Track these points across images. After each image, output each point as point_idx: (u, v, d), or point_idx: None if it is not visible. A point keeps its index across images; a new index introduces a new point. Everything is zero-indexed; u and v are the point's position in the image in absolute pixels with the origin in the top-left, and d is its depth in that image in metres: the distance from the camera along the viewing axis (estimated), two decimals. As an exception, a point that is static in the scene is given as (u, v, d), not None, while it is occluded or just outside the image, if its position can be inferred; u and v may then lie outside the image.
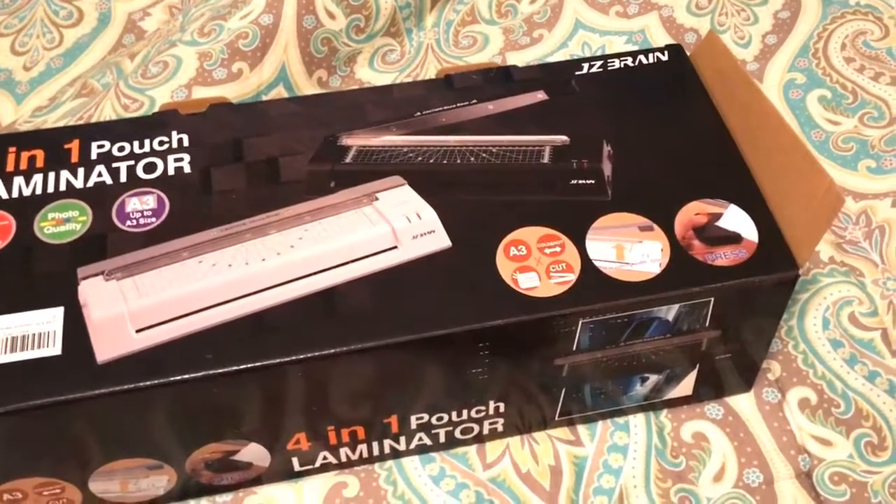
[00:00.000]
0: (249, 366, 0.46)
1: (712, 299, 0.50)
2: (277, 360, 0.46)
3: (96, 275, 0.49)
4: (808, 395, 0.58)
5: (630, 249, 0.51)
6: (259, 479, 0.54)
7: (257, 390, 0.48)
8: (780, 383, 0.59)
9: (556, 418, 0.56)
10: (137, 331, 0.47)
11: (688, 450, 0.56)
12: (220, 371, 0.46)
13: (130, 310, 0.47)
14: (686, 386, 0.57)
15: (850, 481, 0.55)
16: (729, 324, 0.53)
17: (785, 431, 0.57)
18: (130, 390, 0.45)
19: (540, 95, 0.58)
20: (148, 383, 0.45)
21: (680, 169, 0.54)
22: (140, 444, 0.49)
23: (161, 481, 0.52)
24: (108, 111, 0.71)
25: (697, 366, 0.56)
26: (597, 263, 0.50)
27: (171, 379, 0.45)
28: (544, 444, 0.56)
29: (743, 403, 0.58)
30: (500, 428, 0.56)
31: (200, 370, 0.46)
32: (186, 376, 0.45)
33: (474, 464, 0.55)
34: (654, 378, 0.55)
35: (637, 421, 0.58)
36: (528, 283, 0.49)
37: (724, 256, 0.51)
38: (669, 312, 0.51)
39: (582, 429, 0.57)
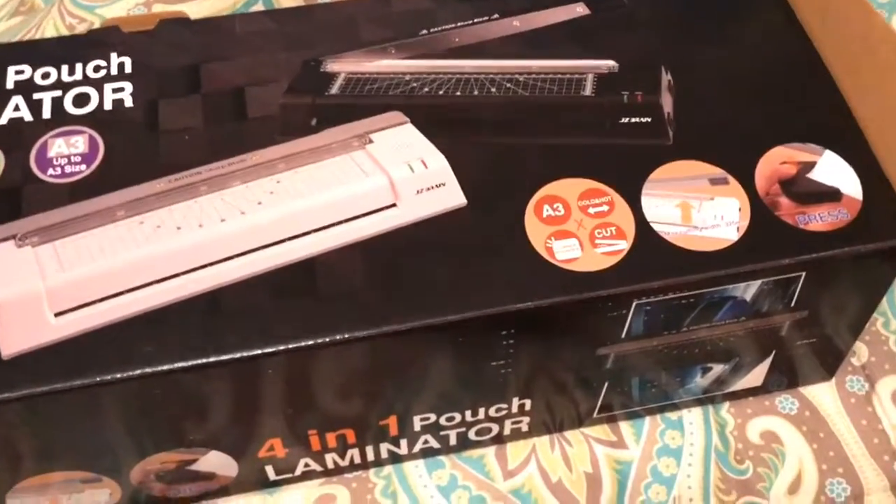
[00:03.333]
0: (203, 361, 0.35)
1: (804, 274, 0.39)
2: (240, 355, 0.35)
3: (5, 239, 0.38)
4: (904, 387, 0.48)
5: (699, 209, 0.39)
6: (226, 489, 0.44)
7: (214, 390, 0.37)
8: (868, 370, 0.48)
9: (595, 415, 0.46)
10: (57, 314, 0.36)
11: (756, 453, 0.46)
12: (164, 368, 0.35)
13: (48, 286, 0.36)
14: (756, 376, 0.46)
15: (960, 497, 0.44)
16: (820, 303, 0.42)
17: (876, 431, 0.46)
18: (44, 394, 0.34)
19: (580, 9, 0.46)
20: (67, 385, 0.34)
21: (759, 104, 0.43)
22: (67, 455, 0.38)
23: (102, 495, 0.41)
24: (49, 34, 0.59)
25: (773, 353, 0.44)
26: (655, 227, 0.39)
27: (98, 380, 0.34)
28: (579, 446, 0.46)
29: (823, 395, 0.48)
30: (524, 427, 0.45)
31: (138, 367, 0.35)
32: (119, 376, 0.35)
33: (493, 471, 0.45)
34: (718, 368, 0.44)
35: (693, 417, 0.47)
36: (567, 252, 0.38)
37: (820, 218, 0.39)
38: (748, 291, 0.39)
39: (625, 426, 0.46)
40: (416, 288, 0.37)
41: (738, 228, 0.39)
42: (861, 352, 0.49)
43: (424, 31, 0.45)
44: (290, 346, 0.36)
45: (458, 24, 0.45)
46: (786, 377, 0.47)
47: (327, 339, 0.36)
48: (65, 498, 0.41)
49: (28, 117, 0.41)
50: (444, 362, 0.39)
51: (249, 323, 0.36)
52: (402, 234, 0.38)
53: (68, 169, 0.40)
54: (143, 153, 0.40)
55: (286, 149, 0.41)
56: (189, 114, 0.42)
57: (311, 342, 0.36)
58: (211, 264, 0.37)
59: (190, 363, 0.35)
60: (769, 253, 0.38)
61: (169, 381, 0.35)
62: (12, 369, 0.34)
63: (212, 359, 0.35)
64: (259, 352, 0.35)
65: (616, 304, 0.38)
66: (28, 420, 0.36)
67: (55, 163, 0.40)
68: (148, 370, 0.35)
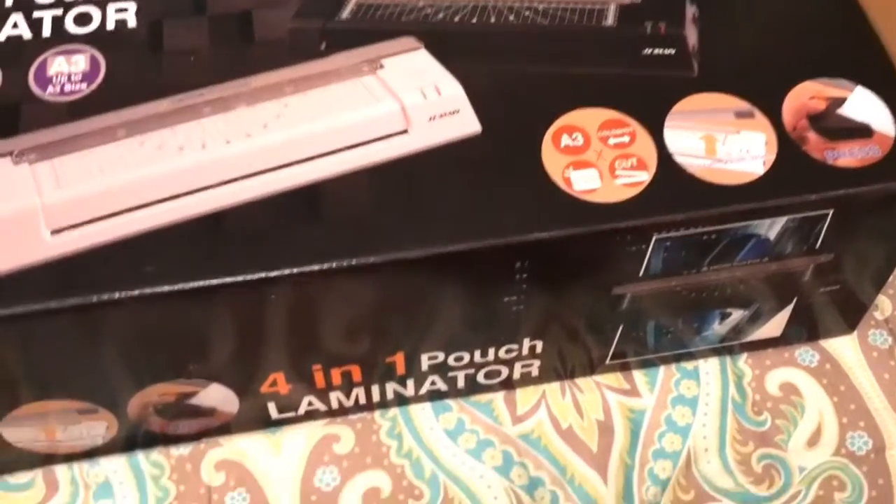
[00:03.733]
0: (204, 284, 0.34)
1: (831, 212, 0.37)
2: (242, 278, 0.34)
3: (2, 155, 0.36)
4: (928, 341, 0.46)
5: (723, 142, 0.38)
6: (227, 428, 0.42)
7: (215, 317, 0.36)
8: (892, 324, 0.47)
9: (607, 361, 0.44)
10: (53, 232, 0.34)
11: (774, 405, 0.44)
12: (164, 290, 0.34)
13: (45, 203, 0.35)
14: (775, 326, 0.44)
15: (985, 453, 0.43)
16: (845, 247, 0.40)
17: (898, 385, 0.45)
18: (38, 313, 0.33)
19: (602, -61, 0.44)
20: (62, 304, 0.33)
21: (788, 38, 0.41)
22: (61, 382, 0.37)
23: (98, 428, 0.40)
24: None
25: (794, 300, 0.43)
26: (678, 159, 0.37)
27: (95, 299, 0.33)
28: (590, 393, 0.44)
29: (844, 348, 0.46)
30: (534, 372, 0.44)
31: (136, 287, 0.33)
32: (116, 296, 0.33)
33: (501, 416, 0.44)
34: (737, 314, 0.43)
35: (709, 367, 0.45)
36: (585, 183, 0.36)
37: (850, 154, 0.37)
38: (772, 229, 0.38)
39: (639, 375, 0.45)
40: (426, 216, 0.35)
41: (763, 162, 0.37)
42: (884, 306, 0.47)
43: (440, -42, 0.43)
44: (295, 271, 0.34)
45: (476, -49, 0.44)
46: (806, 328, 0.46)
47: (333, 265, 0.34)
48: (60, 429, 0.39)
49: (27, 35, 0.40)
50: (454, 295, 0.38)
51: (253, 247, 0.34)
52: (414, 161, 0.37)
53: (68, 87, 0.38)
54: (145, 74, 0.39)
55: (294, 72, 0.39)
56: (194, 35, 0.40)
57: (316, 268, 0.34)
58: (214, 186, 0.36)
59: (191, 285, 0.34)
60: (796, 188, 0.37)
61: (169, 304, 0.34)
62: (6, 286, 0.33)
63: (214, 281, 0.34)
64: (263, 275, 0.34)
65: (635, 238, 0.36)
66: (22, 342, 0.35)
67: (55, 81, 0.38)
68: (147, 291, 0.33)
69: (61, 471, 0.41)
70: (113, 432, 0.41)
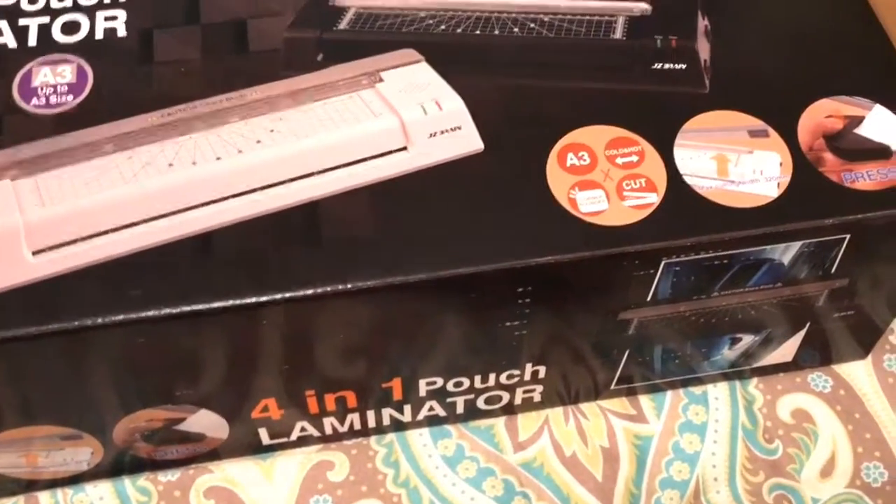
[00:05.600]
0: (192, 308, 0.32)
1: (847, 237, 0.36)
2: (232, 303, 0.32)
3: (-17, 172, 0.35)
4: (945, 367, 0.44)
5: (736, 162, 0.36)
6: (216, 453, 0.41)
7: (205, 342, 0.34)
8: (907, 349, 0.45)
9: (613, 386, 0.43)
10: (35, 252, 0.33)
11: (786, 432, 0.43)
12: (151, 314, 0.32)
13: (27, 222, 0.33)
14: (787, 350, 0.43)
15: None
16: (861, 272, 0.38)
17: (914, 414, 0.43)
18: (18, 339, 0.31)
19: (610, -51, 0.43)
20: (43, 329, 0.31)
21: (804, 53, 0.39)
22: (44, 408, 0.36)
23: (82, 454, 0.38)
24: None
25: (807, 325, 0.41)
26: (689, 180, 0.35)
27: (79, 324, 0.32)
28: (595, 419, 0.43)
29: (858, 374, 0.45)
30: (536, 397, 0.42)
31: (122, 312, 0.32)
32: (101, 321, 0.32)
33: (502, 442, 0.42)
34: (747, 339, 0.41)
35: (718, 392, 0.44)
36: (592, 204, 0.35)
37: (868, 177, 0.36)
38: (786, 254, 0.36)
39: (645, 400, 0.43)
40: (426, 238, 0.34)
41: (778, 184, 0.36)
42: (899, 329, 0.46)
43: (443, -33, 0.42)
44: (288, 295, 0.33)
45: (480, -40, 0.42)
46: (819, 353, 0.44)
47: (328, 290, 0.33)
48: (42, 455, 0.38)
49: (12, 44, 0.38)
50: (454, 320, 0.36)
51: (245, 269, 0.33)
52: (414, 180, 0.35)
53: (54, 99, 0.37)
54: (135, 85, 0.37)
55: (289, 85, 0.37)
56: (186, 45, 0.38)
57: (310, 292, 0.33)
58: (204, 205, 0.34)
59: (179, 310, 0.32)
60: (811, 212, 0.35)
61: (156, 329, 0.33)
62: (-16, 310, 0.32)
63: (202, 306, 0.32)
64: (254, 300, 0.32)
65: (643, 263, 0.35)
66: (1, 366, 0.33)
67: (40, 92, 0.37)
68: (133, 316, 0.32)
69: (44, 497, 0.40)
70: (98, 458, 0.39)
